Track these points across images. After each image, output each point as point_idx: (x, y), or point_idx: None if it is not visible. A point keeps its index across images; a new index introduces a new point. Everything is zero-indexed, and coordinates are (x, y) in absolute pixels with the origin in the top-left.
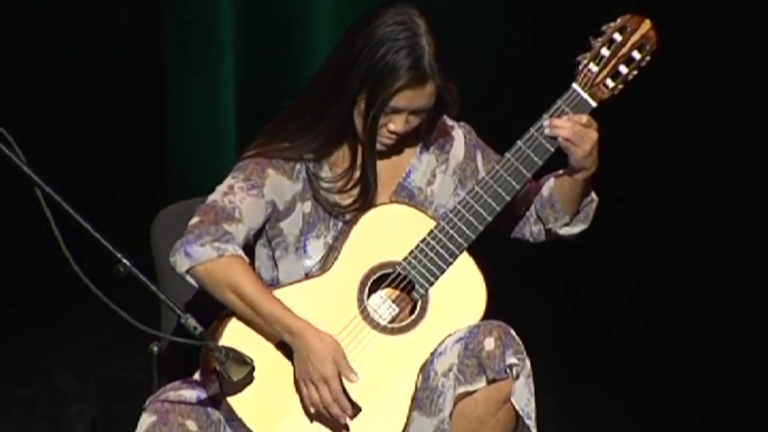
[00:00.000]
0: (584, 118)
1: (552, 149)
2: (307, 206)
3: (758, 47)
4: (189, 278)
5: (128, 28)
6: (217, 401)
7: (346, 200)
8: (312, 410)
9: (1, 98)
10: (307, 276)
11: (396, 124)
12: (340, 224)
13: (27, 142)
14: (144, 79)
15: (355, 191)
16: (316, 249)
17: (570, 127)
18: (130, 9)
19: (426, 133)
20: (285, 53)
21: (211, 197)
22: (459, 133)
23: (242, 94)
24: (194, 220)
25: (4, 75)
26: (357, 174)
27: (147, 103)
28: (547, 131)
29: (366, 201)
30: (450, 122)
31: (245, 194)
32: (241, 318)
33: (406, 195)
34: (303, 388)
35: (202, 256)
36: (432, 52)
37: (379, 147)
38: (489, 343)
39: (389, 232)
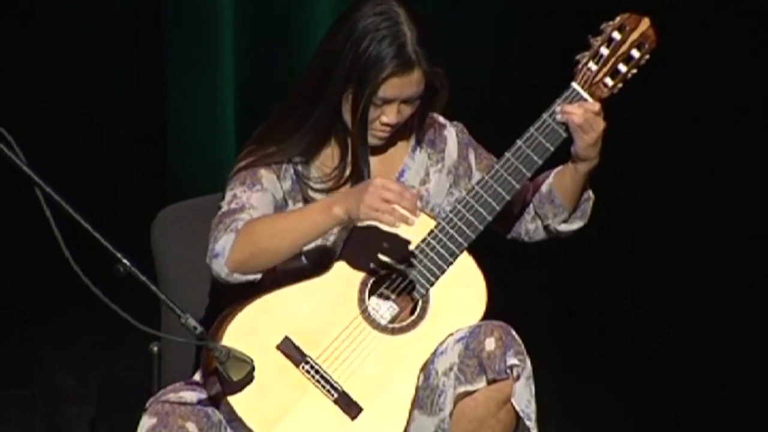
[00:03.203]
0: (596, 106)
1: (564, 135)
2: (299, 207)
3: (759, 45)
4: (238, 276)
5: (128, 28)
6: (217, 402)
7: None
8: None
9: (2, 98)
10: (308, 276)
11: (388, 116)
12: None
13: (27, 141)
14: (144, 79)
15: (346, 189)
16: (308, 249)
17: (582, 113)
18: (130, 9)
19: (417, 128)
20: (285, 53)
21: (219, 212)
22: (452, 132)
23: (242, 94)
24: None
25: (4, 75)
26: (347, 172)
27: (147, 103)
28: (559, 117)
29: None
30: (442, 121)
31: (250, 193)
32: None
33: None
34: (374, 214)
35: (225, 244)
36: (414, 38)
37: (374, 141)
38: (490, 344)
39: (390, 231)
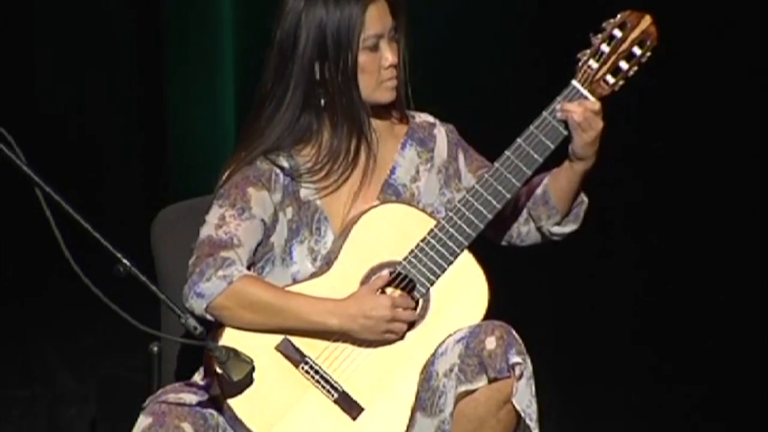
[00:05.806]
0: (596, 105)
1: (564, 133)
2: (289, 212)
3: (759, 43)
4: (209, 317)
5: (128, 28)
6: (218, 402)
7: (338, 173)
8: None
9: (1, 98)
10: (307, 276)
11: (388, 55)
12: (322, 228)
13: (26, 142)
14: (144, 79)
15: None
16: (300, 254)
17: (581, 112)
18: (130, 10)
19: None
20: None
21: (205, 232)
22: (441, 131)
23: (242, 94)
24: (193, 258)
25: (4, 75)
26: (334, 143)
27: (147, 103)
28: (559, 114)
29: (357, 154)
30: (432, 120)
31: (239, 221)
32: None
33: (393, 192)
34: (383, 340)
35: (214, 290)
36: None
37: (387, 96)
38: (490, 342)
39: (389, 231)
